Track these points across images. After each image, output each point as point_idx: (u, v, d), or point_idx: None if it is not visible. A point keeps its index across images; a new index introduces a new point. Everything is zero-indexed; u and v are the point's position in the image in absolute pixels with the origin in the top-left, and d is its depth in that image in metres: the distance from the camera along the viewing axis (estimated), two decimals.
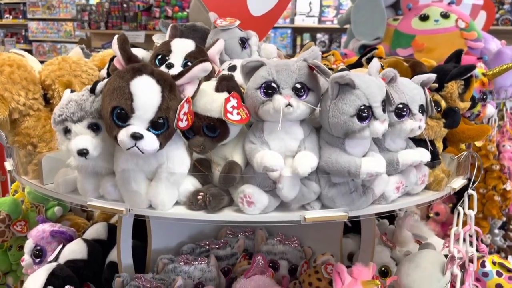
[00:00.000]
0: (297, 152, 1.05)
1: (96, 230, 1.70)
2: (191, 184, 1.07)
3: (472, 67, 1.33)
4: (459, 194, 1.37)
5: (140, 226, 1.59)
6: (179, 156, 1.04)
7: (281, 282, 1.51)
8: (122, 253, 1.43)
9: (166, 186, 1.03)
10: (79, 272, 1.47)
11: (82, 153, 0.98)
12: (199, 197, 1.04)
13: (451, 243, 1.32)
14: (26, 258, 1.62)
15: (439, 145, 1.30)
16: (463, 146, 1.46)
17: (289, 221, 1.06)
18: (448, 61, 1.47)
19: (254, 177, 1.04)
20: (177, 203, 1.08)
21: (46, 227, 1.66)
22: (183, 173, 1.04)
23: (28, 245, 1.63)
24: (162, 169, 1.03)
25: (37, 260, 1.60)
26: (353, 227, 1.74)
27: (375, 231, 1.61)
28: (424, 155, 1.13)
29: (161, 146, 0.97)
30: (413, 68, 1.39)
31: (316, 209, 1.08)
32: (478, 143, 2.06)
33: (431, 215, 2.30)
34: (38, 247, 1.62)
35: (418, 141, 1.22)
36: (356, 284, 1.29)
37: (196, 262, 1.47)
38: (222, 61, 1.46)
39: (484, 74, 1.61)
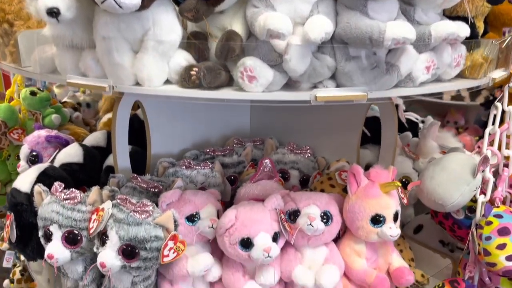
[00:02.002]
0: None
1: (95, 137, 1.60)
2: (183, 58, 0.92)
3: None
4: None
5: (140, 133, 1.47)
6: (168, 21, 0.88)
7: None
8: (118, 153, 1.32)
9: (153, 57, 0.88)
10: (75, 175, 1.38)
11: (52, 12, 0.83)
12: (193, 72, 0.89)
13: (484, 143, 1.16)
14: (22, 164, 1.53)
15: (480, 25, 1.10)
16: None
17: (297, 100, 0.91)
18: None
19: (256, 48, 0.88)
20: (168, 81, 0.94)
21: (42, 132, 1.56)
22: (173, 42, 0.89)
23: (24, 151, 1.54)
24: (148, 37, 0.87)
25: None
26: (372, 137, 1.58)
27: (397, 137, 1.45)
28: (462, 28, 0.94)
29: (144, 3, 0.81)
30: None
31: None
32: None
33: None
34: (34, 153, 1.53)
35: (456, 19, 1.02)
36: (373, 187, 1.15)
37: (199, 167, 1.36)
38: None
39: None
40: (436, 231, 1.39)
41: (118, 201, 1.07)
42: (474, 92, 3.25)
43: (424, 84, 0.98)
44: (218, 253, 1.17)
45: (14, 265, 1.95)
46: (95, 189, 1.15)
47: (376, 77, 0.90)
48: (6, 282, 1.92)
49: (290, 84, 0.93)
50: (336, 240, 1.22)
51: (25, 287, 1.88)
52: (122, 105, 1.27)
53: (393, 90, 0.94)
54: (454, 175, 1.13)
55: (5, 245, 1.87)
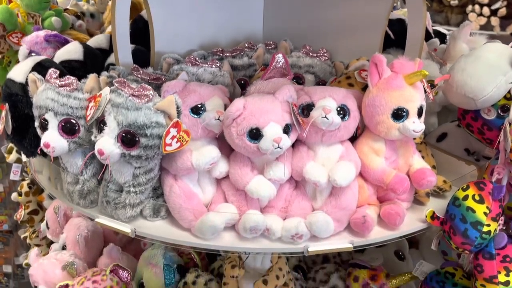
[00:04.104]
0: None
1: (97, 39, 1.51)
2: None
3: None
4: None
5: (145, 34, 1.37)
6: None
7: None
8: (119, 46, 1.22)
9: None
10: (74, 73, 1.27)
11: None
12: None
13: None
14: None
15: None
16: None
17: None
18: None
19: None
20: None
21: (41, 32, 1.47)
22: None
23: (22, 52, 1.45)
24: None
25: None
26: (396, 40, 1.44)
27: (423, 39, 1.31)
28: None
29: None
30: None
31: None
32: None
33: None
34: (33, 54, 1.44)
35: None
36: (396, 78, 1.04)
37: (206, 65, 1.26)
38: None
39: None
40: (462, 139, 1.28)
41: (116, 85, 0.99)
42: None
43: None
44: (226, 152, 1.09)
45: (22, 179, 1.93)
46: (92, 76, 1.07)
47: None
48: (14, 195, 1.91)
49: None
50: (353, 140, 1.13)
51: (33, 200, 1.87)
52: None
53: None
54: (489, 64, 1.01)
55: (11, 157, 1.84)
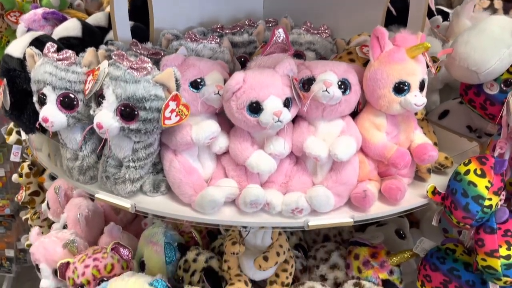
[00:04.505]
0: None
1: (96, 17, 1.49)
2: None
3: None
4: None
5: (143, 11, 1.35)
6: None
7: None
8: (118, 22, 1.20)
9: None
10: (72, 50, 1.27)
11: None
12: None
13: None
14: None
15: None
16: None
17: None
18: None
19: None
20: None
21: (39, 10, 1.45)
22: None
23: (20, 30, 1.45)
24: None
25: None
26: (398, 16, 1.42)
27: (426, 15, 1.30)
28: None
29: None
30: None
31: None
32: None
33: None
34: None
35: None
36: (398, 51, 1.03)
37: (206, 41, 1.24)
38: None
39: None
40: (463, 116, 1.27)
41: (115, 58, 0.97)
42: None
43: None
44: (226, 128, 1.08)
45: (23, 161, 1.92)
46: (90, 50, 1.05)
47: None
48: (14, 176, 1.91)
49: None
50: (354, 116, 1.12)
51: (34, 181, 1.87)
52: None
53: None
54: (493, 37, 1.00)
55: (11, 138, 1.84)
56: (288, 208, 1.01)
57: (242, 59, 1.36)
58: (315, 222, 1.01)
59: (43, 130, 1.17)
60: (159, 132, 1.03)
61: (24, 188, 1.88)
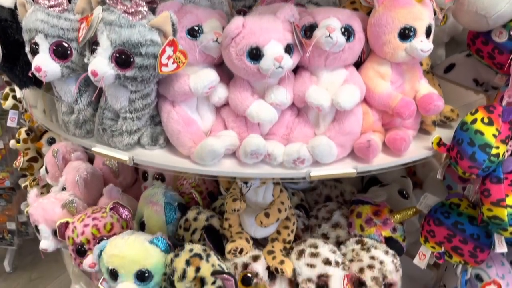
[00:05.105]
0: None
1: None
2: None
3: None
4: None
5: None
6: None
7: None
8: None
9: None
10: None
11: None
12: None
13: None
14: None
15: None
16: None
17: None
18: None
19: None
20: None
21: None
22: None
23: None
24: None
25: None
26: None
27: None
28: None
29: None
30: None
31: None
32: None
33: None
34: None
35: None
36: None
37: None
38: None
39: None
40: (470, 68, 1.24)
41: (109, 2, 0.93)
42: None
43: None
44: (225, 80, 1.05)
45: (20, 127, 1.90)
46: None
47: None
48: (12, 142, 1.89)
49: None
50: (357, 66, 1.08)
51: (32, 147, 1.84)
52: None
53: None
54: None
55: (7, 103, 1.80)
56: (290, 158, 0.98)
57: (242, 13, 1.31)
58: (317, 172, 0.98)
59: (38, 84, 1.14)
60: (156, 81, 0.99)
61: (22, 154, 1.86)
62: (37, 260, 2.81)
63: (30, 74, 0.97)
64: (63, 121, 1.09)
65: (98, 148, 1.05)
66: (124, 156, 1.02)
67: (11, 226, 2.78)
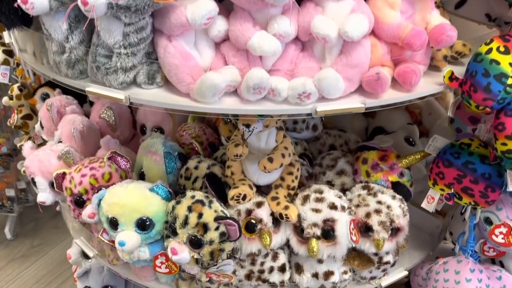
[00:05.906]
0: None
1: None
2: None
3: None
4: None
5: None
6: None
7: None
8: None
9: None
10: None
11: None
12: None
13: None
14: None
15: None
16: None
17: None
18: None
19: None
20: None
21: None
22: None
23: None
24: None
25: None
26: None
27: None
28: None
29: None
30: None
31: None
32: None
33: None
34: None
35: None
36: None
37: None
38: None
39: None
40: (482, 3, 1.17)
41: None
42: None
43: None
44: (225, 13, 0.99)
45: (12, 84, 1.84)
46: None
47: None
48: (5, 99, 1.83)
49: None
50: None
51: (25, 104, 1.79)
52: None
53: None
54: None
55: None
56: (295, 92, 0.93)
57: None
58: (323, 107, 0.94)
59: (27, 24, 1.08)
60: (151, 11, 0.93)
61: (16, 111, 1.80)
62: (38, 227, 2.80)
63: (16, 5, 0.91)
64: (54, 62, 1.03)
65: (92, 88, 0.99)
66: (119, 95, 0.97)
67: (10, 193, 2.75)
